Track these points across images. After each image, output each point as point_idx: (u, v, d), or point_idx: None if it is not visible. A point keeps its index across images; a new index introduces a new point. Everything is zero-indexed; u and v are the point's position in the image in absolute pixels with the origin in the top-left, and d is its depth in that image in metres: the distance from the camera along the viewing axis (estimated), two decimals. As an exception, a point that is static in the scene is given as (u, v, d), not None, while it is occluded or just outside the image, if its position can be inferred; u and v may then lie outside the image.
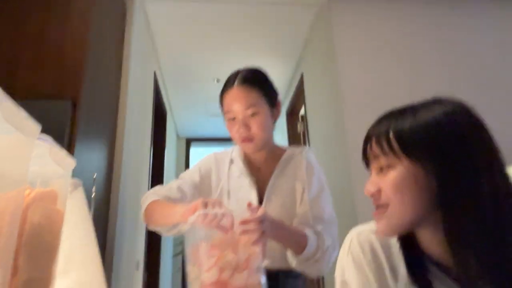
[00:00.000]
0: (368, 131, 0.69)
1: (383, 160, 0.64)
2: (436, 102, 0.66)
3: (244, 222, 0.89)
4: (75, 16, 1.69)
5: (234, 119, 1.16)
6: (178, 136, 5.38)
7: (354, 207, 2.04)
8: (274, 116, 1.21)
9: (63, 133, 1.47)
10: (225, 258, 0.75)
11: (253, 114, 1.14)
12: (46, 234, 0.57)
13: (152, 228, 1.14)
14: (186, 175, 1.24)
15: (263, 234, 0.90)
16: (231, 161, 1.24)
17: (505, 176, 0.60)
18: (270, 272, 0.99)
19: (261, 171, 1.22)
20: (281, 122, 4.43)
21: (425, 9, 2.49)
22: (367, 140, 0.68)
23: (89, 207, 0.86)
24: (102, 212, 1.82)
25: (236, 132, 1.16)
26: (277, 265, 1.06)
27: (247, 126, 1.14)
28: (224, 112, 1.20)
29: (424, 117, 0.62)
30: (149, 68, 3.04)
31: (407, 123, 0.62)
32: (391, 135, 0.63)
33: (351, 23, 2.45)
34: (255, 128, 1.14)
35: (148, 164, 2.92)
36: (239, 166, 1.22)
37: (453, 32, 2.44)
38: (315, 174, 1.20)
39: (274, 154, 1.25)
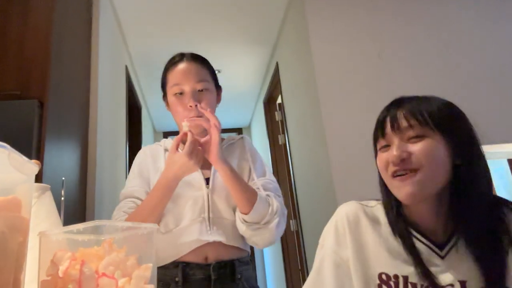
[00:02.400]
0: (389, 108, 0.75)
1: (413, 132, 0.70)
2: (429, 97, 0.76)
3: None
4: (37, 10, 1.62)
5: (181, 93, 1.10)
6: (155, 131, 5.30)
7: (333, 193, 2.06)
8: (218, 100, 1.18)
9: (31, 134, 1.41)
10: None
11: (204, 90, 1.10)
12: (11, 243, 0.54)
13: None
14: (130, 184, 1.12)
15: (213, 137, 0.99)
16: (166, 150, 1.17)
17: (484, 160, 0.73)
18: (226, 261, 1.00)
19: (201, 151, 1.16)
20: (259, 111, 4.42)
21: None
22: (392, 114, 0.74)
23: (60, 211, 0.83)
24: (78, 213, 1.77)
25: (183, 108, 1.08)
26: (231, 242, 1.03)
27: (197, 100, 1.08)
28: (168, 87, 1.13)
29: (441, 101, 0.74)
30: (120, 63, 2.96)
31: (433, 104, 0.72)
32: (423, 109, 0.71)
33: (325, 10, 2.45)
34: (204, 104, 1.08)
35: (125, 160, 2.86)
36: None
37: (428, 18, 2.47)
38: (258, 155, 1.19)
39: None
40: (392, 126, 0.73)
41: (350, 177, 2.05)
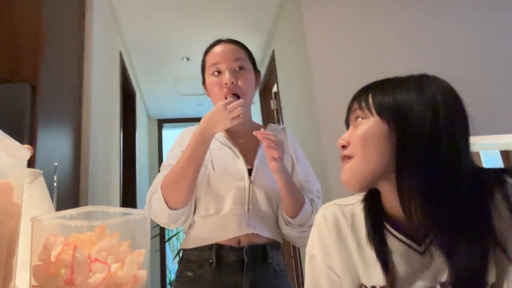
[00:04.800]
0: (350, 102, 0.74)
1: (358, 113, 0.69)
2: (409, 79, 0.70)
3: (266, 135, 0.96)
4: (27, -8, 1.58)
5: (219, 73, 1.09)
6: (149, 118, 5.26)
7: (326, 182, 2.07)
8: (257, 82, 1.18)
9: (23, 119, 1.39)
10: (116, 275, 0.52)
11: (241, 68, 1.10)
12: (2, 227, 0.54)
13: (183, 197, 1.00)
14: (172, 157, 1.12)
15: (277, 147, 0.97)
16: None
17: (460, 151, 0.63)
18: (258, 245, 1.03)
19: (244, 141, 1.16)
20: (255, 100, 4.40)
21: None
22: (351, 101, 0.73)
23: (52, 196, 0.83)
24: (71, 199, 1.77)
25: (220, 86, 1.08)
26: (266, 234, 1.06)
27: (234, 78, 1.07)
28: (206, 68, 1.13)
29: (402, 90, 0.67)
30: (114, 48, 2.92)
31: (385, 87, 0.69)
32: (370, 93, 0.69)
33: (320, -2, 2.43)
34: (242, 82, 1.08)
35: (119, 147, 2.85)
36: (219, 137, 1.14)
37: (422, 6, 2.46)
38: (300, 150, 1.22)
39: (255, 126, 1.21)
40: (346, 118, 0.74)
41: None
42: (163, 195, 0.99)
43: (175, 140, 1.19)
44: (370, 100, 0.68)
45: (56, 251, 0.52)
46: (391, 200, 0.67)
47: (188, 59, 3.71)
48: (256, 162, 1.10)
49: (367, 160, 0.66)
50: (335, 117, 2.17)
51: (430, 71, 0.74)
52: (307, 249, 0.77)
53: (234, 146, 1.13)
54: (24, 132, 1.36)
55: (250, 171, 1.08)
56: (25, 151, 0.57)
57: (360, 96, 0.70)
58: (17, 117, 1.39)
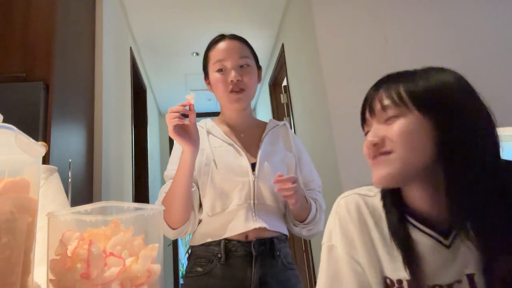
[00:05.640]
0: (369, 91, 0.71)
1: (391, 112, 0.65)
2: (435, 69, 0.68)
3: (280, 180, 0.96)
4: (39, -8, 1.60)
5: (224, 69, 1.11)
6: (160, 113, 5.30)
7: (338, 175, 2.07)
8: (259, 80, 1.19)
9: (37, 116, 1.42)
10: (131, 269, 0.54)
11: (245, 66, 1.11)
12: (20, 223, 0.55)
13: (178, 218, 1.03)
14: (171, 166, 1.13)
15: (295, 194, 0.98)
16: (208, 133, 1.16)
17: (496, 142, 0.64)
18: (265, 239, 1.05)
19: (245, 136, 1.17)
20: (265, 94, 4.39)
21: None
22: (369, 98, 0.70)
23: (67, 192, 0.84)
24: (85, 194, 1.80)
25: (225, 83, 1.10)
26: (273, 228, 1.07)
27: (240, 75, 1.09)
28: (210, 65, 1.14)
29: (434, 76, 0.66)
30: (124, 44, 2.94)
31: (418, 80, 0.66)
32: (401, 88, 0.65)
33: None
34: (247, 79, 1.10)
35: (131, 143, 2.88)
36: (219, 135, 1.15)
37: (434, 1, 2.41)
38: (303, 147, 1.23)
39: (256, 121, 1.23)
40: (369, 111, 0.69)
41: (355, 161, 2.04)
42: (164, 218, 1.01)
43: (175, 147, 1.18)
44: (403, 94, 0.65)
45: (72, 245, 0.53)
46: (420, 195, 0.66)
47: (197, 54, 3.71)
48: (259, 156, 1.11)
49: (409, 156, 0.63)
50: (347, 112, 2.17)
51: (444, 65, 0.71)
52: (324, 239, 0.75)
53: (236, 142, 1.13)
54: (38, 129, 1.38)
55: (253, 166, 1.09)
56: (40, 148, 0.58)
57: (388, 88, 0.67)
58: (32, 114, 1.41)
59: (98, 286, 0.50)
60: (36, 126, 1.38)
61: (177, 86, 4.52)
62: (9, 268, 0.53)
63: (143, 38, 3.40)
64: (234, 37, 1.16)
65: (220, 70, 1.11)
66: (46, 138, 1.39)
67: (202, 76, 1.23)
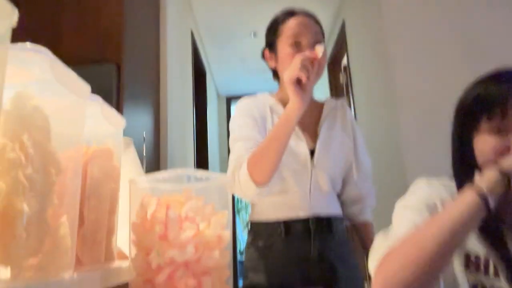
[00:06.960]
0: (491, 88, 0.65)
1: None
2: None
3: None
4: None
5: (297, 45, 1.08)
6: (218, 95, 5.42)
7: (401, 162, 1.97)
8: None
9: (111, 96, 1.52)
10: (204, 234, 0.58)
11: (318, 42, 1.08)
12: (105, 187, 0.61)
13: (268, 172, 0.99)
14: (239, 127, 1.11)
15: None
16: (271, 109, 1.15)
17: None
18: (322, 218, 1.06)
19: (303, 118, 1.10)
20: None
21: None
22: (496, 97, 0.64)
23: (142, 164, 0.90)
24: (154, 167, 1.92)
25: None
26: (329, 210, 1.09)
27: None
28: (283, 38, 1.11)
29: None
30: (186, 27, 3.02)
31: None
32: None
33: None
34: (322, 58, 1.05)
35: (192, 123, 2.99)
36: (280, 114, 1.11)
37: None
38: (358, 129, 1.21)
39: (314, 102, 1.20)
40: (501, 112, 0.62)
41: (420, 146, 1.93)
42: (248, 172, 0.99)
43: (239, 111, 1.16)
44: None
45: (151, 210, 0.57)
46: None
47: (255, 34, 3.71)
48: (318, 145, 1.10)
49: None
50: (414, 94, 2.03)
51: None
52: (400, 203, 0.74)
53: (298, 125, 1.10)
54: (112, 107, 1.49)
55: (312, 152, 1.09)
56: (121, 119, 0.63)
57: None
58: (105, 94, 1.51)
59: (175, 247, 0.54)
60: (110, 105, 1.49)
61: (235, 68, 4.58)
62: (97, 228, 0.59)
63: (203, 20, 3.46)
64: (306, 13, 1.14)
65: (293, 45, 1.09)
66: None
67: (259, 57, 1.22)
